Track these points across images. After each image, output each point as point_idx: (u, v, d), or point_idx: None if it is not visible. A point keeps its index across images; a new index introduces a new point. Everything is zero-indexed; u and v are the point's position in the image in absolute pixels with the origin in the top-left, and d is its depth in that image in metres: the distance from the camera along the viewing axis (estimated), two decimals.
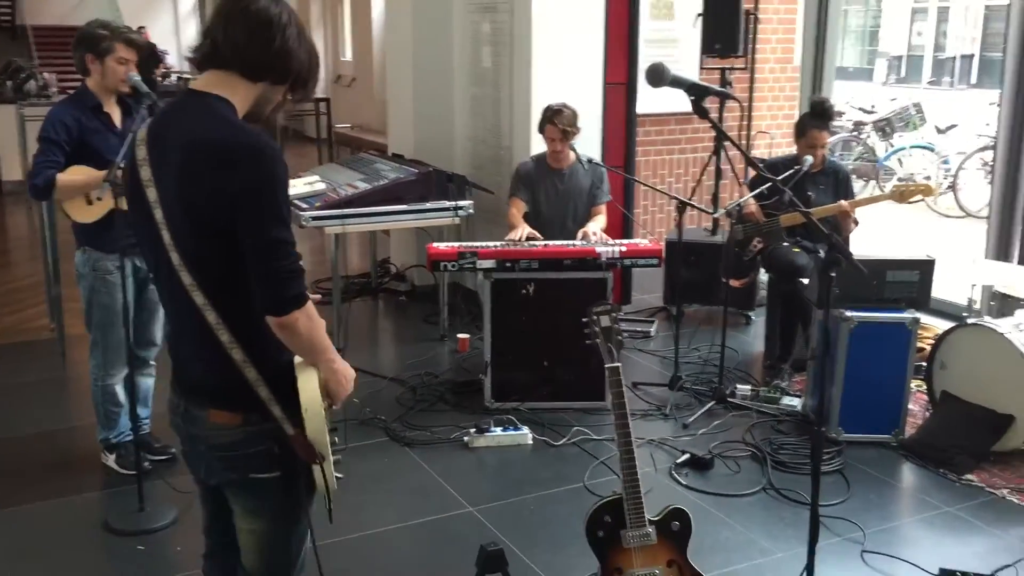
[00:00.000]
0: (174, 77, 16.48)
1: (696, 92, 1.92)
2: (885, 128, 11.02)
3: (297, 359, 1.98)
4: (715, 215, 5.24)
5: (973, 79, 23.64)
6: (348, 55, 16.06)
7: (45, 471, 4.01)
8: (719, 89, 2.13)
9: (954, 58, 24.23)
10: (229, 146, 1.86)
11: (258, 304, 1.88)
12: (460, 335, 5.49)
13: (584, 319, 2.75)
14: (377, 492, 3.82)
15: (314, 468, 2.00)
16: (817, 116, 4.83)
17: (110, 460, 3.99)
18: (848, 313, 4.16)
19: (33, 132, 10.13)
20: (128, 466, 3.87)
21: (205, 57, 1.99)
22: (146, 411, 4.05)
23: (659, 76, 1.99)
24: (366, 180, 5.66)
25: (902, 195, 4.58)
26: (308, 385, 1.95)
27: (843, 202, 4.70)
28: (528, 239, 4.73)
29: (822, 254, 4.22)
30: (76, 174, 3.58)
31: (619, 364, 2.70)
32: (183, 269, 1.91)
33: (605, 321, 2.74)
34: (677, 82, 2.04)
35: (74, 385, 5.01)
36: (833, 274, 2.44)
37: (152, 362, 4.05)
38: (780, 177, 4.63)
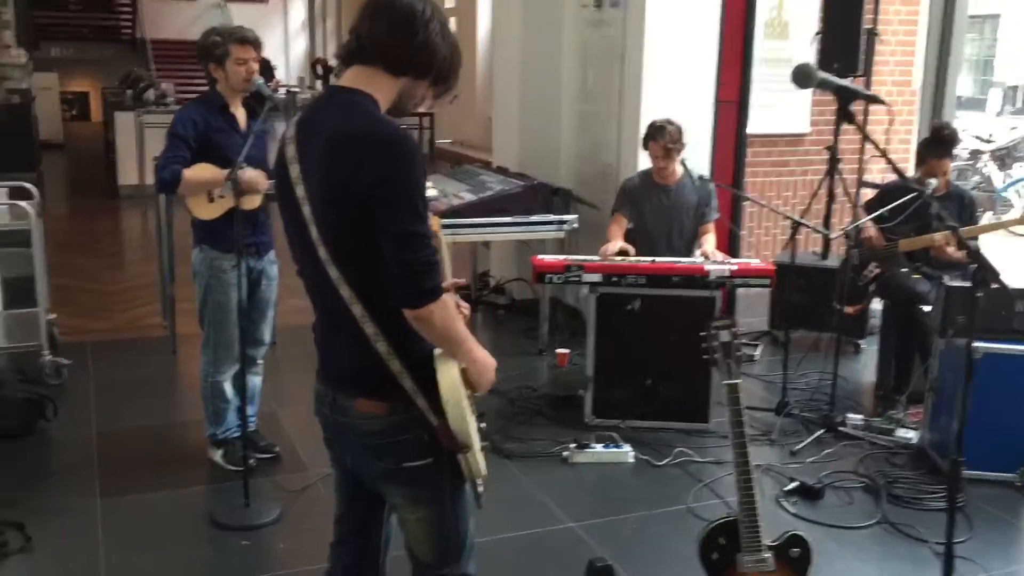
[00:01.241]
0: (282, 91, 16.97)
1: (844, 95, 1.84)
2: (1004, 158, 10.59)
3: (437, 350, 2.01)
4: (833, 236, 5.06)
5: None
6: None
7: (154, 464, 4.10)
8: (867, 93, 2.04)
9: None
10: (368, 138, 1.90)
11: (394, 297, 1.91)
12: (559, 350, 5.44)
13: (702, 334, 2.67)
14: None
15: (459, 457, 2.04)
16: (936, 144, 4.64)
17: (217, 456, 4.05)
18: (974, 344, 3.95)
19: (151, 139, 10.54)
20: (234, 462, 3.93)
21: (350, 53, 2.03)
22: (252, 409, 4.11)
23: (807, 77, 1.92)
24: (472, 191, 5.67)
25: None
26: (447, 376, 1.98)
27: (974, 227, 4.50)
28: (619, 253, 4.65)
29: (946, 280, 4.06)
30: (201, 171, 3.66)
31: (739, 381, 2.61)
32: (330, 264, 1.96)
33: (724, 336, 2.66)
34: (825, 83, 1.96)
35: (184, 382, 5.13)
36: (980, 295, 2.28)
37: (260, 360, 4.11)
38: (901, 201, 4.48)
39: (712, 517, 3.67)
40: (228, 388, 3.98)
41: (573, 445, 4.22)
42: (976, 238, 4.67)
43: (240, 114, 3.84)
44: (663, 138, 4.74)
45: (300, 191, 1.98)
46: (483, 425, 2.19)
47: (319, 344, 2.16)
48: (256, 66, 3.76)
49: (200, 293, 3.87)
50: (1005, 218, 9.22)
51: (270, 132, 4.06)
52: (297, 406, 4.57)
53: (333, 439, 2.19)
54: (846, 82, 1.96)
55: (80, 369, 5.10)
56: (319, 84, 17.06)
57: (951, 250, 4.52)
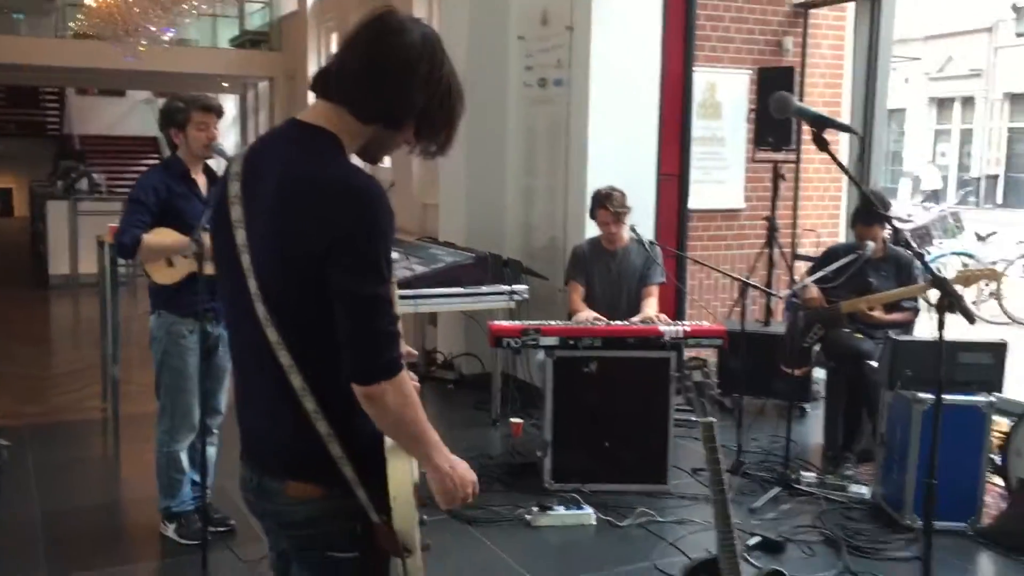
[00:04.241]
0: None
1: (818, 124, 1.96)
2: (923, 236, 11.08)
3: (389, 440, 1.75)
4: (781, 296, 5.22)
5: (999, 199, 23.88)
6: (387, 162, 16.46)
7: (103, 542, 3.94)
8: (842, 123, 2.16)
9: (979, 178, 24.54)
10: (331, 184, 1.65)
11: (344, 368, 1.65)
12: (513, 420, 5.43)
13: (677, 374, 2.73)
14: (443, 570, 3.70)
15: (395, 561, 1.77)
16: (864, 214, 4.85)
17: (170, 530, 3.91)
18: (920, 395, 4.09)
19: (86, 227, 10.37)
20: (188, 536, 3.81)
21: (316, 83, 1.76)
22: (208, 480, 4.00)
23: (785, 106, 2.04)
24: (423, 263, 5.71)
25: (967, 280, 4.56)
26: (399, 470, 1.73)
27: (914, 287, 4.69)
28: (593, 321, 4.73)
29: (892, 335, 4.20)
30: (162, 236, 3.64)
31: (714, 420, 2.65)
32: (269, 324, 1.68)
33: (697, 376, 2.71)
34: (801, 112, 2.08)
35: (128, 462, 4.98)
36: (944, 320, 2.34)
37: (215, 430, 4.01)
38: (840, 263, 4.66)
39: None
40: (184, 458, 3.87)
41: (536, 508, 4.19)
42: (916, 299, 4.87)
43: (201, 180, 3.84)
44: (612, 204, 4.87)
45: (240, 237, 1.71)
46: (427, 541, 1.84)
47: (242, 419, 1.86)
48: (217, 132, 3.79)
49: (157, 359, 3.79)
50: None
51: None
52: None
53: (266, 529, 1.91)
54: (820, 110, 2.09)
55: (17, 451, 4.90)
56: None
57: (877, 313, 4.71)
